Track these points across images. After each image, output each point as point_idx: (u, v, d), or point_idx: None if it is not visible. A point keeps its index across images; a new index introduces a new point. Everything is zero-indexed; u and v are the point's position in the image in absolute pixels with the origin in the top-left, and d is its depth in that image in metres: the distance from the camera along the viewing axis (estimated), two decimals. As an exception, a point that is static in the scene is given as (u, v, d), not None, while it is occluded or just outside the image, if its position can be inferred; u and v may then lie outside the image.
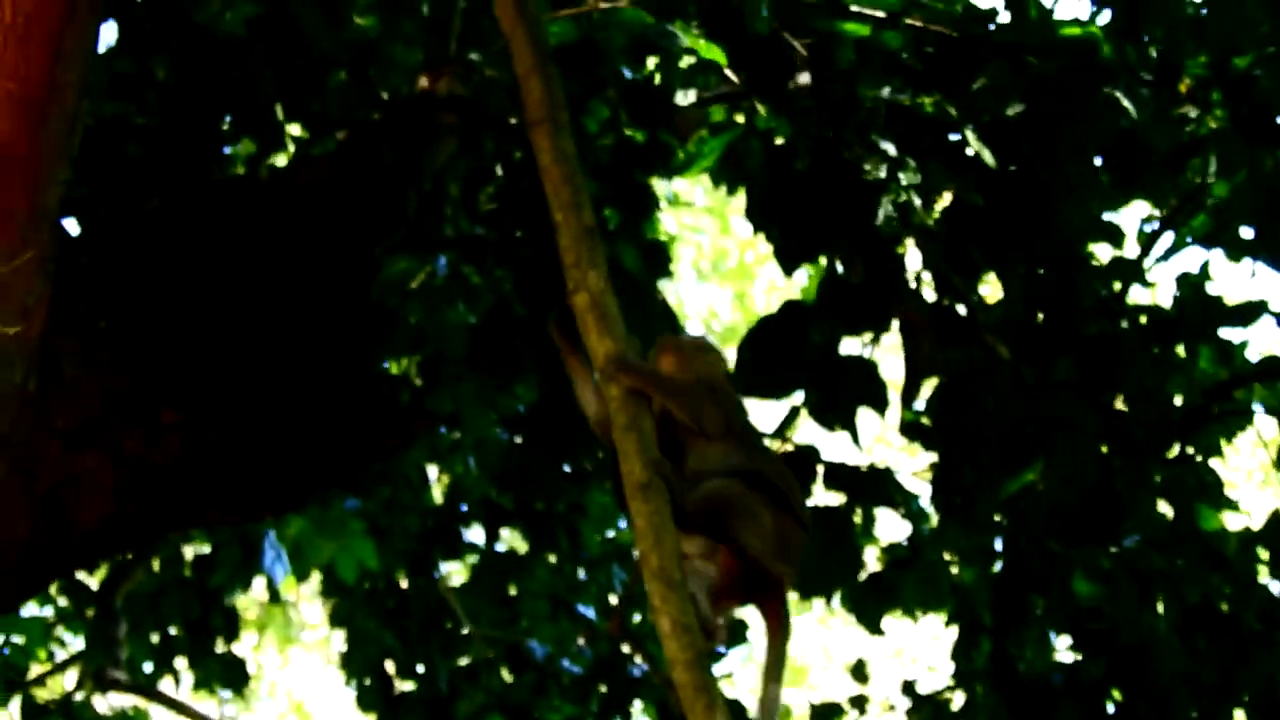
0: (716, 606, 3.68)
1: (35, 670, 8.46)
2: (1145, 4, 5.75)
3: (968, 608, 6.21)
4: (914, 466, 6.31)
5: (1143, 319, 6.00)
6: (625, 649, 8.03)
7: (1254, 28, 5.66)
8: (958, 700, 6.41)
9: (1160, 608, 5.81)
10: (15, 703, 8.06)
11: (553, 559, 8.20)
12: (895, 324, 5.90)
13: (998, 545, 6.09)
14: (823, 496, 5.94)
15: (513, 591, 8.24)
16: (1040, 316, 5.85)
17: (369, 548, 7.65)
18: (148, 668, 8.25)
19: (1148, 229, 6.38)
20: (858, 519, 5.97)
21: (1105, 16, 5.86)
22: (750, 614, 3.98)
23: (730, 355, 5.01)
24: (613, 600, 8.23)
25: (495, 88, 5.96)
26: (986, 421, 5.64)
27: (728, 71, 5.86)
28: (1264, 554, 5.95)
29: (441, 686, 8.19)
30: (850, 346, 5.91)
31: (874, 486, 5.98)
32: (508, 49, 4.10)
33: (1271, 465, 6.88)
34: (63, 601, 8.30)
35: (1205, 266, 6.03)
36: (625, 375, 3.67)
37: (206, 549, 8.02)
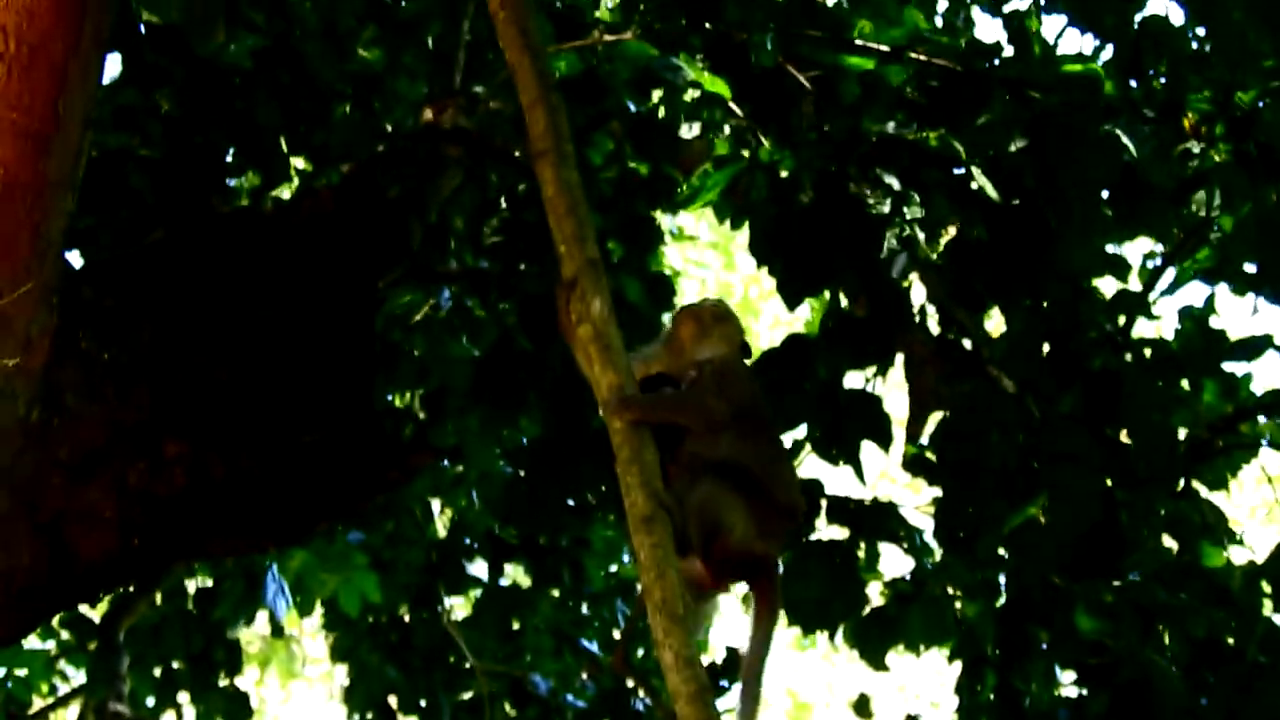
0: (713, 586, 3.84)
1: (37, 704, 8.45)
2: (1148, 40, 5.77)
3: (972, 642, 6.18)
4: (918, 501, 6.28)
5: (1147, 352, 5.98)
6: (629, 683, 8.00)
7: (1257, 62, 5.67)
8: (961, 736, 6.37)
9: (1164, 642, 5.79)
10: (17, 736, 8.05)
11: (556, 593, 8.20)
12: (899, 358, 5.90)
13: (1001, 580, 6.07)
14: (826, 531, 5.93)
15: (516, 626, 8.22)
16: (1044, 350, 5.84)
17: (372, 581, 7.64)
18: (150, 701, 8.22)
19: (1151, 264, 6.38)
20: (861, 553, 5.96)
21: (1108, 52, 5.87)
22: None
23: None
24: (616, 634, 8.21)
25: (500, 120, 5.97)
26: (990, 455, 5.63)
27: (732, 105, 5.86)
28: (1268, 588, 5.92)
29: (444, 721, 8.16)
30: (854, 381, 5.92)
31: (878, 521, 5.98)
32: (512, 81, 4.10)
33: (1276, 501, 6.85)
34: (65, 634, 8.27)
35: (1210, 300, 6.03)
36: (628, 411, 3.73)
37: (209, 582, 8.00)
